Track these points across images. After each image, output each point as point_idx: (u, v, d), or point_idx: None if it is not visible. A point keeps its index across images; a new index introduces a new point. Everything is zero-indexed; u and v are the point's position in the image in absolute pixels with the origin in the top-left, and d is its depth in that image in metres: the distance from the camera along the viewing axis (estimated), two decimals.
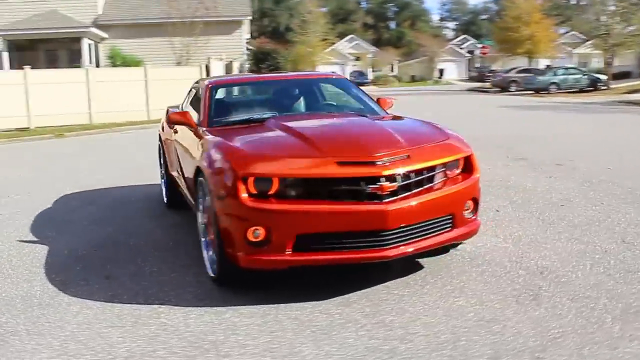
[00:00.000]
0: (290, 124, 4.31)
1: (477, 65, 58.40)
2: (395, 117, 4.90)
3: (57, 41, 24.46)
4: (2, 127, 17.29)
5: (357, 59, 59.60)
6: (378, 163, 3.56)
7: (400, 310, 3.48)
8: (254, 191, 3.53)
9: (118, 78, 19.51)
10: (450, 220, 3.81)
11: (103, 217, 5.96)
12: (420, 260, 4.21)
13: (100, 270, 4.36)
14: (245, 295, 3.78)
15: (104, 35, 26.06)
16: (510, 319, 3.27)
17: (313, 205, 3.49)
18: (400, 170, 3.58)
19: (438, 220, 3.76)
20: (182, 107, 5.94)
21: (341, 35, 59.39)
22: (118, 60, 25.56)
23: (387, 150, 3.69)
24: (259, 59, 26.77)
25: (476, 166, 4.01)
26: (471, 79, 53.99)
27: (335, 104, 5.40)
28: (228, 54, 25.46)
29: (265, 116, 4.70)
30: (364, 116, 4.78)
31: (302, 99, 5.35)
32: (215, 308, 3.60)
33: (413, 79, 58.78)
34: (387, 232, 3.53)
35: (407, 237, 3.63)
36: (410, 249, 3.63)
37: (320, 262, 3.59)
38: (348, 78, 5.48)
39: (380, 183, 3.50)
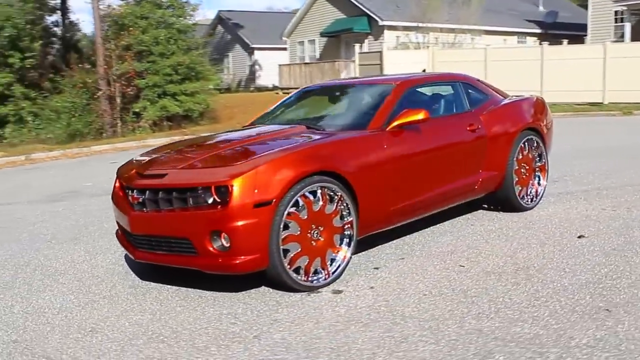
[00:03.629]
0: (231, 134, 4.89)
1: None
2: (319, 134, 4.51)
3: None
4: (578, 100, 18.27)
5: None
6: (144, 177, 4.05)
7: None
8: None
9: None
10: (190, 246, 3.78)
11: None
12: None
13: None
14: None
15: None
16: None
17: (117, 204, 4.39)
18: (149, 186, 3.96)
19: (175, 240, 3.85)
20: None
21: None
22: None
23: (161, 167, 4.13)
24: None
25: (230, 199, 3.61)
26: None
27: (342, 113, 5.10)
28: None
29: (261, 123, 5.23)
30: (314, 129, 4.67)
31: (329, 108, 5.22)
32: None
33: None
34: (135, 236, 4.06)
35: (152, 247, 4.02)
36: (152, 257, 4.01)
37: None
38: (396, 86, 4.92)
39: (132, 194, 4.03)
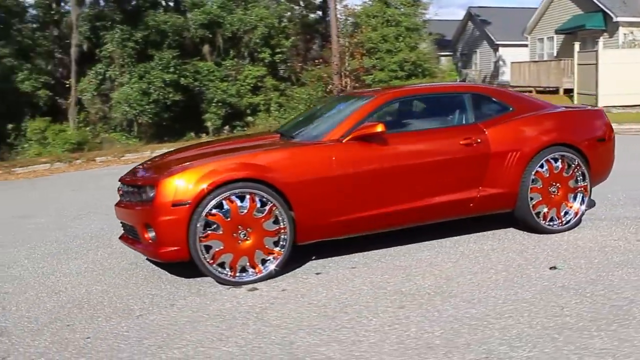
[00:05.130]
0: (217, 143, 5.55)
1: None
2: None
3: None
4: None
5: None
6: (128, 173, 4.94)
7: None
8: None
9: None
10: (136, 233, 4.54)
11: None
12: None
13: None
14: None
15: None
16: None
17: None
18: (124, 181, 4.81)
19: (130, 228, 4.66)
20: None
21: None
22: None
23: (139, 167, 5.01)
24: None
25: (155, 198, 4.27)
26: None
27: (318, 123, 5.28)
28: None
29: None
30: (284, 139, 5.10)
31: (320, 118, 5.47)
32: None
33: None
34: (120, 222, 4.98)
35: (126, 231, 4.87)
36: (125, 240, 4.88)
37: None
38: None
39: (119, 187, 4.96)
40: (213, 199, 4.28)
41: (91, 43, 22.22)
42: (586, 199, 5.22)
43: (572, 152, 5.12)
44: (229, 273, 4.39)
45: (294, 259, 4.75)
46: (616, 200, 6.27)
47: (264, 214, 4.40)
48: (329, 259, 4.87)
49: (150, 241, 4.42)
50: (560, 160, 5.10)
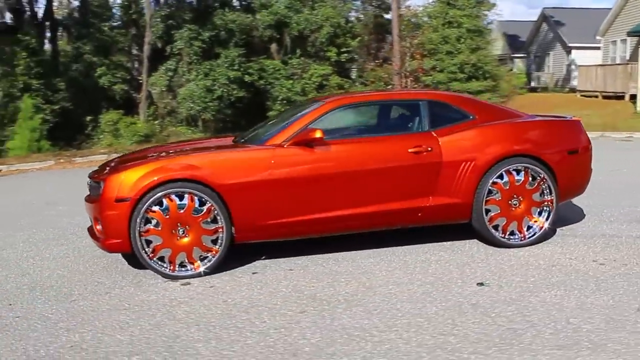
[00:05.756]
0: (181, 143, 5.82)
1: None
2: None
3: None
4: None
5: None
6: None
7: None
8: None
9: None
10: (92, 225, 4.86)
11: None
12: None
13: None
14: None
15: None
16: None
17: None
18: (90, 177, 5.11)
19: (90, 220, 4.96)
20: None
21: None
22: None
23: (107, 164, 5.27)
24: None
25: (102, 193, 4.57)
26: None
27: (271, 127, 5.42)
28: None
29: None
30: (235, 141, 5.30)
31: (278, 121, 5.55)
32: None
33: None
34: None
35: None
36: (89, 233, 5.18)
37: None
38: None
39: None
40: (152, 196, 4.51)
41: (163, 41, 23.24)
42: (552, 214, 5.01)
43: (536, 164, 4.92)
44: (169, 267, 4.61)
45: (242, 257, 4.93)
46: (609, 215, 5.94)
47: (202, 213, 4.57)
48: (275, 259, 4.98)
49: (101, 233, 4.71)
50: (523, 172, 4.93)
